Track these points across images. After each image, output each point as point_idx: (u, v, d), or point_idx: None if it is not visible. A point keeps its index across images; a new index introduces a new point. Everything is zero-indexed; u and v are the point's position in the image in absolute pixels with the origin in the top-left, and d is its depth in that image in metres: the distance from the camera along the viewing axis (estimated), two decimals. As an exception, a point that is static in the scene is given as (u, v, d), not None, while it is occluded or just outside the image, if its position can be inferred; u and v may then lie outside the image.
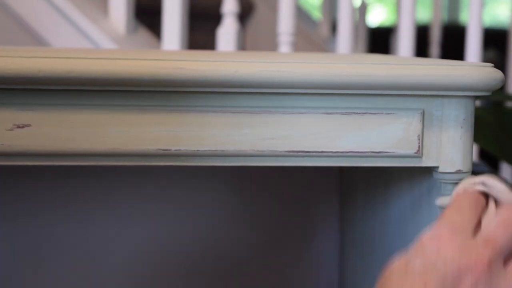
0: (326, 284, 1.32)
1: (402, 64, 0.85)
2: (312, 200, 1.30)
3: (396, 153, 0.86)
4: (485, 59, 3.41)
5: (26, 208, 1.24)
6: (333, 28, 2.74)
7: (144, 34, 1.96)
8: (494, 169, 2.69)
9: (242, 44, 1.90)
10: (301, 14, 2.88)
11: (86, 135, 0.82)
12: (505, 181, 0.72)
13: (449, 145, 0.87)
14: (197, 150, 0.84)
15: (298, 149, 0.85)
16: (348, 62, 0.84)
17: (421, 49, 2.64)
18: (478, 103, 2.07)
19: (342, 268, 1.30)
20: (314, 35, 2.84)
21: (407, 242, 1.00)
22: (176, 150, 0.84)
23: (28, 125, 0.81)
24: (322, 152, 0.85)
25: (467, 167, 0.87)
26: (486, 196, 0.72)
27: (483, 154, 2.86)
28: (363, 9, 2.63)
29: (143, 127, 0.83)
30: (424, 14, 5.21)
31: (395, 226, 1.05)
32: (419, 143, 0.86)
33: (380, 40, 3.62)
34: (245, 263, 1.30)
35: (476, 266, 0.63)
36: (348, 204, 1.27)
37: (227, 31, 1.82)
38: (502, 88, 2.51)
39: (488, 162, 2.80)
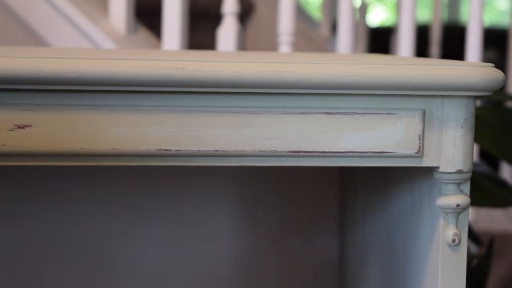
0: (326, 284, 1.32)
1: (402, 64, 0.85)
2: (312, 200, 1.30)
3: (396, 153, 0.86)
4: (485, 59, 3.41)
5: (26, 208, 1.24)
6: (333, 28, 2.74)
7: (144, 34, 1.96)
8: (494, 169, 2.70)
9: (242, 44, 1.90)
10: (301, 14, 2.88)
11: (87, 135, 0.82)
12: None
13: (450, 145, 0.87)
14: (198, 150, 0.84)
15: (298, 149, 0.85)
16: (348, 62, 0.84)
17: (421, 49, 2.64)
18: (478, 103, 2.07)
19: (342, 268, 1.30)
20: (314, 35, 2.84)
21: (407, 242, 1.00)
22: (177, 150, 0.84)
23: (29, 126, 0.82)
24: (322, 152, 0.85)
25: (467, 167, 0.87)
26: None
27: (483, 154, 2.86)
28: (363, 9, 2.63)
29: (144, 127, 0.83)
30: (424, 14, 5.21)
31: (395, 226, 1.05)
32: (419, 143, 0.86)
33: (380, 40, 3.62)
34: (246, 262, 1.30)
35: None
36: (348, 204, 1.27)
37: (227, 31, 1.82)
38: (502, 88, 2.51)
39: (488, 162, 2.80)
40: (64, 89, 0.81)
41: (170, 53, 0.99)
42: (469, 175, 0.88)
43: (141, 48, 1.89)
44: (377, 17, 6.55)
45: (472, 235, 1.46)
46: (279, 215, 1.30)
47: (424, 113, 0.86)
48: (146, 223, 1.27)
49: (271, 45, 2.58)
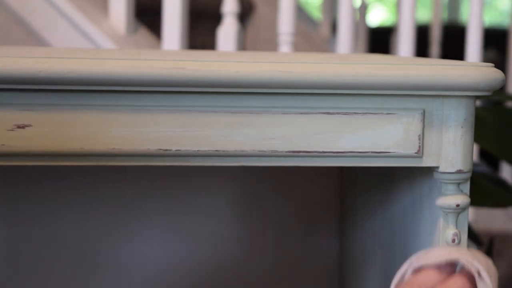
0: (326, 284, 1.32)
1: (402, 64, 0.85)
2: (312, 200, 1.30)
3: (396, 153, 0.86)
4: (485, 59, 3.41)
5: (26, 208, 1.24)
6: (333, 28, 2.74)
7: (144, 34, 1.96)
8: (494, 169, 2.69)
9: (242, 44, 1.90)
10: (301, 14, 2.88)
11: (86, 135, 0.82)
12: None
13: (450, 145, 0.87)
14: (198, 150, 0.84)
15: (298, 149, 0.85)
16: (348, 62, 0.84)
17: (421, 49, 2.64)
18: (478, 103, 2.07)
19: (342, 268, 1.30)
20: (314, 35, 2.84)
21: (408, 242, 1.00)
22: (176, 150, 0.84)
23: (29, 125, 0.81)
24: (322, 152, 0.85)
25: (467, 167, 0.87)
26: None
27: (483, 154, 2.86)
28: (363, 9, 2.63)
29: (143, 127, 0.83)
30: (424, 14, 5.21)
31: (395, 226, 1.05)
32: (419, 143, 0.86)
33: (380, 40, 3.62)
34: (246, 262, 1.30)
35: None
36: (348, 204, 1.27)
37: (227, 31, 1.82)
38: (502, 88, 2.51)
39: (488, 162, 2.80)
40: (64, 89, 0.81)
41: (170, 53, 0.99)
42: (469, 175, 0.88)
43: (141, 48, 1.89)
44: (377, 17, 6.54)
45: (472, 235, 1.46)
46: (279, 215, 1.30)
47: (424, 113, 0.86)
48: (145, 223, 1.27)
49: (271, 45, 2.58)
